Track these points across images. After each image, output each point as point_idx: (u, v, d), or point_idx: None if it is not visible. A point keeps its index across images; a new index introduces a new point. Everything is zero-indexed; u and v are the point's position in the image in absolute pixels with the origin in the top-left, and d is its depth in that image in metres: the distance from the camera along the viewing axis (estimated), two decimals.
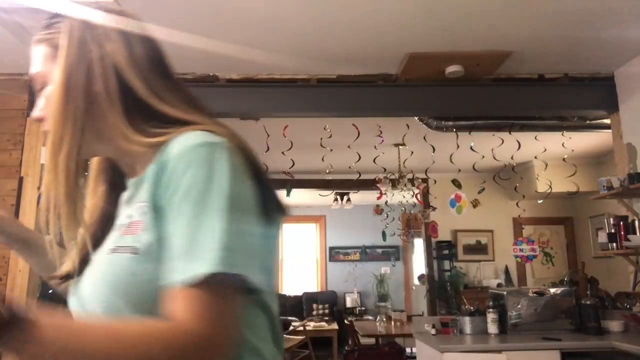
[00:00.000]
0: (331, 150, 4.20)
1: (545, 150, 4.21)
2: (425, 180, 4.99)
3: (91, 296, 0.70)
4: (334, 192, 6.20)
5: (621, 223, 3.03)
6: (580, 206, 5.86)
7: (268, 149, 3.70)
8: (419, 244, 7.31)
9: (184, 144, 0.66)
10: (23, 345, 0.54)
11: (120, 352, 0.57)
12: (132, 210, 0.71)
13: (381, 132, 4.07)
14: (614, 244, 3.07)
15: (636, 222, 2.95)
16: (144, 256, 0.66)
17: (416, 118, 3.77)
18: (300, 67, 3.06)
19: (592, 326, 3.06)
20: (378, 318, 5.33)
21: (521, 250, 3.86)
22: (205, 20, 2.47)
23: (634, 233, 2.92)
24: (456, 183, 4.46)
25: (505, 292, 3.24)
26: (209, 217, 0.61)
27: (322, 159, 4.21)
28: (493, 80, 3.21)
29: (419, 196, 5.28)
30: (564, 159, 4.21)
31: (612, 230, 3.10)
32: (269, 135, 3.61)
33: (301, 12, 2.41)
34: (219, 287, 0.60)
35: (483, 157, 3.93)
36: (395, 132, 4.18)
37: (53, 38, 0.80)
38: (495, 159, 3.83)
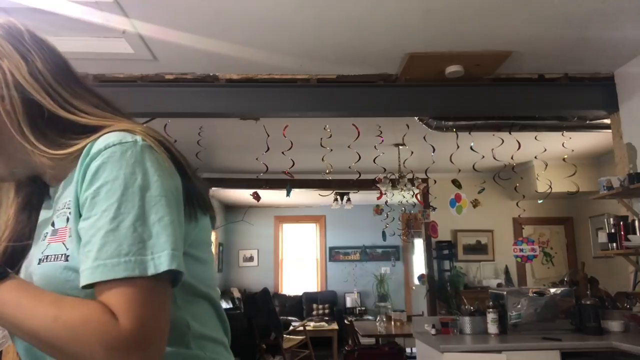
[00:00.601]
0: (331, 150, 4.20)
1: (545, 150, 4.21)
2: (425, 180, 4.99)
3: None
4: (334, 192, 6.19)
5: (621, 223, 3.03)
6: (580, 206, 5.86)
7: (268, 149, 3.70)
8: (419, 244, 7.32)
9: (99, 146, 0.66)
10: None
11: (53, 335, 0.58)
12: (55, 218, 0.71)
13: (381, 132, 4.07)
14: (614, 244, 3.07)
15: (636, 222, 2.95)
16: (75, 261, 0.65)
17: (416, 118, 3.77)
18: (300, 67, 3.06)
19: (592, 326, 3.06)
20: (378, 318, 5.33)
21: (521, 250, 3.86)
22: (205, 20, 2.47)
23: (634, 233, 2.92)
24: (456, 183, 4.46)
25: (505, 292, 3.24)
26: (133, 215, 0.62)
27: (322, 159, 4.21)
28: (493, 80, 3.21)
29: (419, 196, 5.28)
30: (564, 159, 4.20)
31: (612, 230, 3.10)
32: (269, 135, 3.61)
33: (301, 12, 2.41)
34: (156, 283, 0.61)
35: (483, 157, 3.93)
36: (395, 132, 4.18)
37: None
38: (495, 159, 3.83)
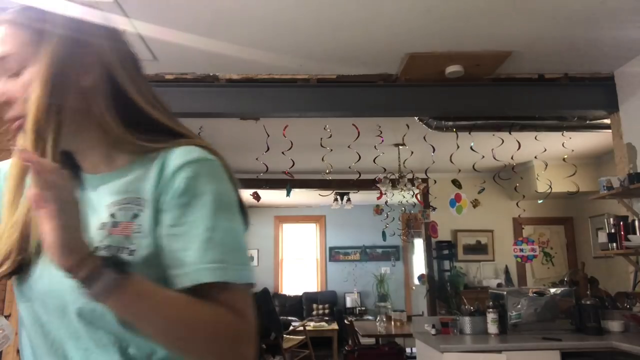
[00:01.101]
0: (331, 150, 4.20)
1: (545, 150, 4.21)
2: (425, 180, 4.99)
3: (75, 293, 0.67)
4: (334, 192, 6.20)
5: (621, 223, 3.03)
6: (580, 206, 5.86)
7: (268, 149, 3.70)
8: (419, 244, 7.31)
9: (185, 157, 0.72)
10: (114, 290, 0.60)
11: (194, 328, 0.63)
12: (115, 210, 0.71)
13: (381, 132, 4.07)
14: (614, 244, 3.07)
15: (636, 222, 2.95)
16: (139, 257, 0.68)
17: (416, 118, 3.77)
18: (300, 67, 3.06)
19: (592, 326, 3.06)
20: (378, 318, 5.33)
21: (521, 250, 3.86)
22: (205, 20, 2.47)
23: (634, 233, 2.92)
24: (456, 183, 4.46)
25: (505, 292, 3.24)
26: (225, 227, 0.70)
27: (322, 159, 4.21)
28: (493, 80, 3.21)
29: (419, 196, 5.28)
30: (564, 159, 4.20)
31: (612, 230, 3.10)
32: (269, 135, 3.61)
33: (301, 12, 2.41)
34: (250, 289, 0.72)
35: (483, 157, 3.93)
36: (395, 132, 4.18)
37: (33, 24, 0.74)
38: (495, 159, 3.83)
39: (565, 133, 3.75)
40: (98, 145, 0.76)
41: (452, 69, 2.97)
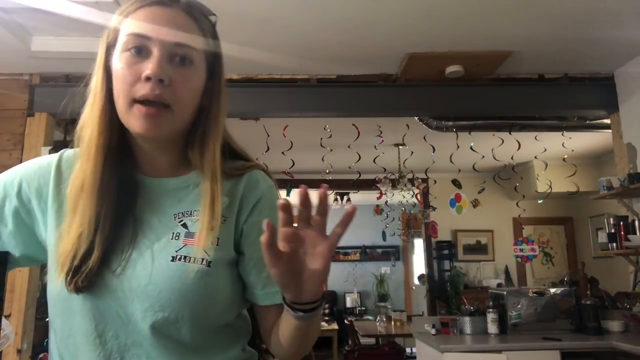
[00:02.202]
0: (331, 150, 4.20)
1: (545, 150, 4.21)
2: (425, 180, 4.99)
3: (151, 302, 0.69)
4: (334, 192, 6.19)
5: (621, 223, 3.03)
6: (580, 206, 5.86)
7: (268, 149, 3.70)
8: (419, 244, 7.31)
9: (268, 184, 0.81)
10: (318, 314, 0.69)
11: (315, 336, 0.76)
12: (187, 221, 0.75)
13: (381, 132, 4.07)
14: (614, 244, 3.07)
15: (636, 222, 2.95)
16: (217, 268, 0.73)
17: (416, 118, 3.77)
18: (300, 67, 3.06)
19: (592, 326, 3.06)
20: (378, 318, 5.33)
21: (521, 250, 3.86)
22: None
23: (634, 233, 2.92)
24: (456, 183, 4.46)
25: (505, 292, 3.24)
26: None
27: (322, 159, 4.21)
28: (493, 80, 3.21)
29: (419, 196, 5.28)
30: (564, 159, 4.20)
31: (612, 230, 3.10)
32: (269, 135, 3.61)
33: (301, 12, 2.41)
34: None
35: (483, 157, 3.93)
36: (395, 132, 4.18)
37: (206, 30, 0.79)
38: (495, 159, 3.83)
39: (565, 133, 3.75)
40: (172, 151, 0.79)
41: (452, 69, 2.97)
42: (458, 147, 3.76)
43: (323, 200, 0.62)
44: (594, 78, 3.21)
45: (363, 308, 8.09)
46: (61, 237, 0.72)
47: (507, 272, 6.08)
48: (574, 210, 6.07)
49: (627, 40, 2.75)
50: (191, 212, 0.75)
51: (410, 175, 4.81)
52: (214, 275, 0.72)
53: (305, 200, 0.61)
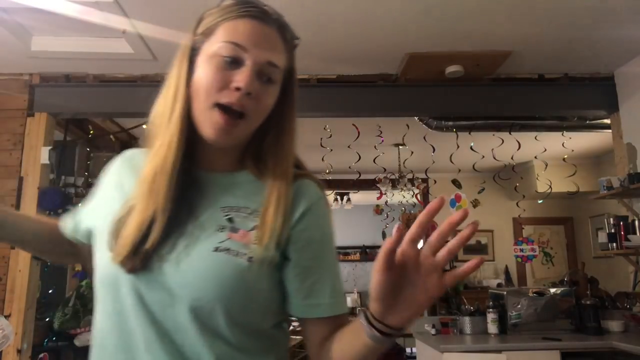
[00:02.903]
0: (331, 150, 4.20)
1: (545, 150, 4.21)
2: (425, 180, 4.99)
3: (189, 287, 0.70)
4: (334, 192, 6.19)
5: (621, 223, 3.03)
6: (580, 206, 5.86)
7: None
8: (418, 244, 7.30)
9: (319, 195, 0.81)
10: (391, 341, 0.68)
11: None
12: (235, 216, 0.76)
13: (381, 132, 4.06)
14: (614, 244, 3.07)
15: (636, 222, 2.95)
16: (258, 266, 0.73)
17: (416, 118, 3.77)
18: (300, 67, 3.04)
19: (592, 326, 3.06)
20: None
21: (521, 250, 3.86)
22: None
23: (634, 233, 2.92)
24: (456, 183, 4.45)
25: (505, 292, 3.24)
26: (336, 268, 0.82)
27: (322, 159, 4.21)
28: (493, 80, 3.21)
29: (419, 196, 5.27)
30: (564, 159, 4.20)
31: (612, 230, 3.10)
32: None
33: (301, 12, 2.41)
34: None
35: (483, 157, 3.92)
36: (395, 132, 4.18)
37: (290, 51, 0.85)
38: (495, 159, 3.82)
39: (565, 133, 3.74)
40: (234, 152, 0.82)
41: (452, 69, 2.97)
42: (458, 147, 3.76)
43: (469, 232, 0.58)
44: (594, 78, 3.21)
45: (363, 308, 8.09)
46: (123, 221, 0.75)
47: (507, 272, 6.08)
48: (574, 210, 6.07)
49: (627, 40, 2.75)
50: (239, 208, 0.77)
51: (410, 175, 4.81)
52: (253, 273, 0.72)
53: (452, 223, 0.60)
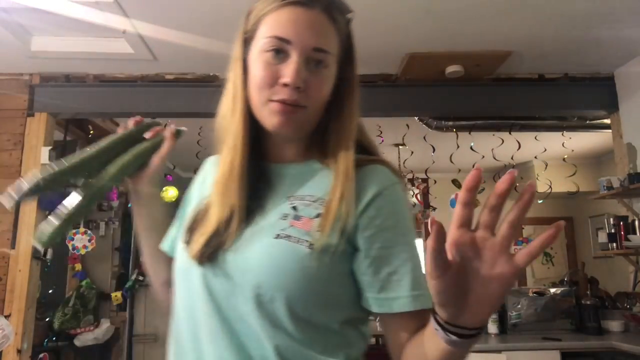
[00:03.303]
0: None
1: (545, 150, 4.21)
2: (425, 180, 4.98)
3: (249, 275, 0.70)
4: None
5: (621, 223, 3.03)
6: (580, 206, 5.85)
7: None
8: (419, 244, 7.30)
9: (391, 180, 0.76)
10: (475, 342, 0.59)
11: None
12: (298, 204, 0.75)
13: (381, 132, 4.06)
14: (614, 244, 3.08)
15: (636, 222, 2.95)
16: (319, 254, 0.70)
17: (416, 118, 3.77)
18: None
19: (592, 326, 3.06)
20: (378, 318, 5.32)
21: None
22: (205, 20, 2.47)
23: (634, 233, 2.92)
24: (456, 183, 4.45)
25: None
26: (417, 254, 0.74)
27: None
28: (493, 80, 3.21)
29: (419, 196, 5.27)
30: (564, 159, 4.20)
31: (612, 230, 3.10)
32: None
33: None
34: None
35: (483, 157, 3.92)
36: (395, 132, 4.18)
37: (343, 31, 0.79)
38: (495, 159, 3.82)
39: (565, 133, 3.74)
40: (300, 142, 0.82)
41: (452, 69, 2.97)
42: (458, 147, 3.76)
43: (528, 196, 0.48)
44: (594, 78, 3.21)
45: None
46: (200, 218, 0.78)
47: None
48: (574, 210, 6.07)
49: (627, 40, 2.75)
50: (303, 196, 0.76)
51: (410, 175, 4.80)
52: (316, 261, 0.69)
53: (501, 193, 0.48)
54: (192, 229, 0.78)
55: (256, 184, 0.78)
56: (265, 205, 0.76)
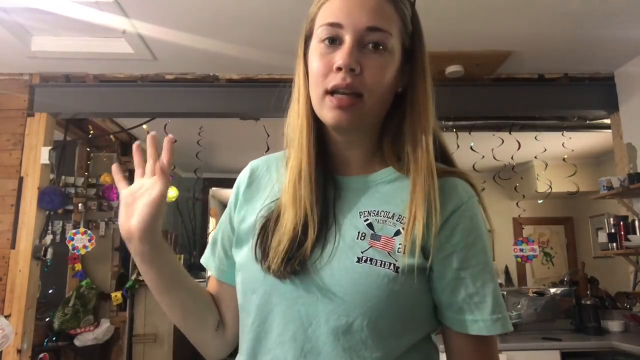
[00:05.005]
0: None
1: (545, 150, 4.21)
2: None
3: (333, 301, 0.66)
4: None
5: (621, 223, 3.03)
6: (580, 206, 5.86)
7: (268, 149, 3.70)
8: None
9: (469, 194, 0.71)
10: None
11: None
12: (374, 221, 0.70)
13: None
14: (614, 244, 3.07)
15: (636, 222, 2.95)
16: (404, 277, 0.66)
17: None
18: None
19: (592, 326, 3.06)
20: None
21: (521, 250, 3.86)
22: (205, 20, 2.47)
23: (634, 233, 2.92)
24: None
25: (505, 292, 3.24)
26: (495, 279, 0.71)
27: None
28: (493, 80, 3.21)
29: None
30: (564, 159, 4.20)
31: (612, 230, 3.10)
32: (269, 135, 3.61)
33: (301, 11, 2.41)
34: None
35: (483, 157, 3.92)
36: None
37: (405, 14, 0.74)
38: (495, 159, 3.82)
39: (565, 133, 3.74)
40: (365, 145, 0.76)
41: (452, 69, 2.97)
42: (458, 147, 3.74)
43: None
44: (594, 78, 3.21)
45: None
46: (272, 229, 0.72)
47: (507, 272, 6.07)
48: (574, 210, 6.07)
49: (627, 40, 2.75)
50: (378, 211, 0.70)
51: None
52: (402, 283, 0.66)
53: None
54: (264, 241, 0.72)
55: (326, 194, 0.73)
56: (336, 221, 0.72)
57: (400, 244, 0.67)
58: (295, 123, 0.76)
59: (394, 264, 0.66)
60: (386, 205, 0.71)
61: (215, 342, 0.82)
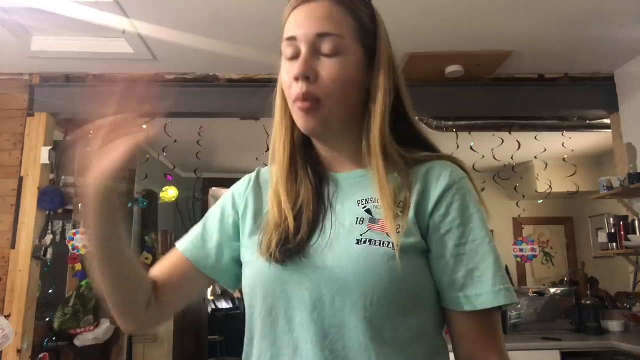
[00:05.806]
0: None
1: (545, 150, 4.21)
2: None
3: (337, 282, 0.68)
4: None
5: (621, 223, 3.03)
6: (580, 206, 5.85)
7: (268, 149, 3.69)
8: None
9: (459, 174, 0.74)
10: None
11: None
12: (372, 208, 0.73)
13: None
14: (614, 244, 3.07)
15: (636, 222, 2.95)
16: (403, 255, 0.68)
17: (416, 118, 3.77)
18: None
19: (592, 326, 3.06)
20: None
21: (521, 250, 3.86)
22: (205, 20, 2.47)
23: (634, 233, 2.92)
24: None
25: None
26: (495, 247, 0.74)
27: None
28: (493, 80, 3.21)
29: None
30: (564, 159, 4.20)
31: (612, 230, 3.10)
32: (268, 135, 3.60)
33: None
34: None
35: (483, 157, 3.92)
36: None
37: (361, 14, 0.79)
38: (495, 159, 3.82)
39: (565, 133, 3.74)
40: (350, 145, 0.79)
41: (452, 69, 2.97)
42: (458, 147, 3.76)
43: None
44: (594, 78, 3.21)
45: None
46: (270, 223, 0.76)
47: (507, 272, 6.07)
48: (574, 210, 6.07)
49: (627, 40, 2.75)
50: (375, 199, 0.74)
51: None
52: (401, 260, 0.67)
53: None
54: (263, 236, 0.76)
55: (321, 188, 0.78)
56: (335, 210, 0.75)
57: (398, 225, 0.70)
58: (276, 132, 0.83)
59: (393, 243, 0.69)
60: (382, 194, 0.74)
61: (139, 317, 0.80)
